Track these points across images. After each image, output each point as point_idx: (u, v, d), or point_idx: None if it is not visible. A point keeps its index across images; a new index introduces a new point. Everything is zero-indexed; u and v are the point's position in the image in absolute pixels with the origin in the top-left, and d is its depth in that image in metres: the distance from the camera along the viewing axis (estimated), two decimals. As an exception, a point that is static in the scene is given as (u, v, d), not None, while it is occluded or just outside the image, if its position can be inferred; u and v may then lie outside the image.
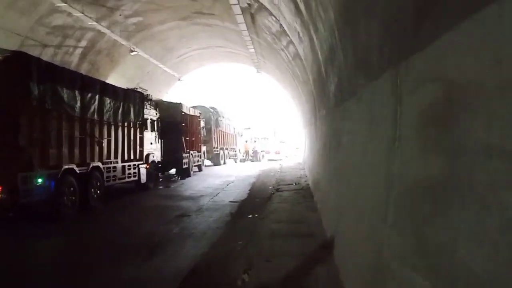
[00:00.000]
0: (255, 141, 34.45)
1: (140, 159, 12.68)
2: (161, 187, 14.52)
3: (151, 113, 13.86)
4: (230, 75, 59.24)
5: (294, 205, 8.34)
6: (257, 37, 17.26)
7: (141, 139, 12.74)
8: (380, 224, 2.96)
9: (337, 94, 6.54)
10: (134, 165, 12.14)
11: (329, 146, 8.00)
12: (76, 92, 8.89)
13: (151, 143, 13.77)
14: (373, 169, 3.46)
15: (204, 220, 8.05)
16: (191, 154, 18.24)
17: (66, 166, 8.44)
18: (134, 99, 12.24)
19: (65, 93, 8.45)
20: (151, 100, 14.05)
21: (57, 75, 8.36)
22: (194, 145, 18.99)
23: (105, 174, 10.21)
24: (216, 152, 25.43)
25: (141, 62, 20.86)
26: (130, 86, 14.93)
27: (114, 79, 17.61)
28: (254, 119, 44.25)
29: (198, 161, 20.09)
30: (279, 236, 5.78)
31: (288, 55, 14.47)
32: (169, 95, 27.08)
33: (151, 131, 13.86)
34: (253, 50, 19.52)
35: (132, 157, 12.12)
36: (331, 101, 7.48)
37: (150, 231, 7.14)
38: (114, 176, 10.76)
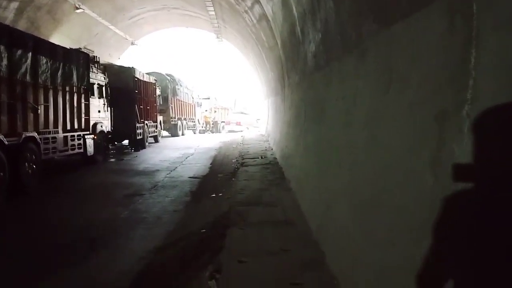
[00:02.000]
0: (215, 112, 33.09)
1: (86, 129, 11.20)
2: (112, 159, 13.13)
3: (98, 78, 12.28)
4: (188, 41, 56.88)
5: (264, 183, 7.35)
6: (218, -3, 15.80)
7: (87, 106, 11.22)
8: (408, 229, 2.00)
9: (318, 55, 5.49)
10: (79, 135, 10.67)
11: (304, 117, 7.01)
12: (1, 47, 7.31)
13: (99, 111, 12.26)
14: (397, 150, 2.46)
15: (159, 201, 6.92)
16: (146, 124, 16.79)
17: (-11, 137, 6.97)
18: (77, 60, 10.64)
19: (-15, 48, 6.88)
20: (98, 62, 12.44)
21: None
22: (149, 115, 17.51)
23: (43, 146, 8.71)
24: (173, 123, 23.95)
25: (89, 22, 18.83)
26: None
27: (58, 40, 15.51)
28: (214, 88, 42.72)
29: (154, 131, 18.66)
30: (251, 223, 4.78)
31: (253, 18, 13.20)
32: (121, 61, 25.03)
33: (99, 97, 12.32)
34: (213, 13, 18.06)
35: (76, 126, 10.62)
36: (308, 64, 6.43)
37: (92, 217, 5.91)
38: (54, 148, 9.29)
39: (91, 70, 11.57)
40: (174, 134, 24.31)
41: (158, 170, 10.49)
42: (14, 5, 13.64)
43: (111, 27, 20.33)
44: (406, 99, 2.37)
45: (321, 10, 4.84)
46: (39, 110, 8.69)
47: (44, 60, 8.82)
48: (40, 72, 8.62)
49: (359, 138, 3.31)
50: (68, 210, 6.49)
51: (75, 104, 10.57)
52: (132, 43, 24.66)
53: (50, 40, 15.81)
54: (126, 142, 16.48)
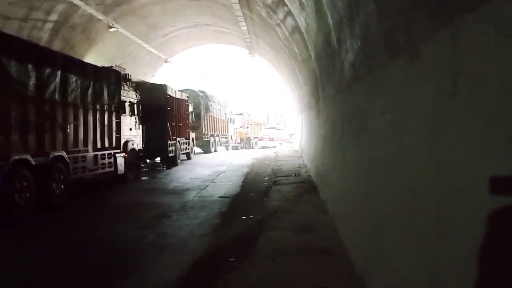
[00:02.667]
0: (247, 127, 32.83)
1: (117, 147, 11.06)
2: (144, 178, 12.95)
3: (130, 95, 12.20)
4: (221, 57, 57.30)
5: (298, 204, 6.84)
6: (249, 12, 15.58)
7: (118, 124, 11.10)
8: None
9: (358, 64, 4.99)
10: (110, 154, 10.52)
11: (341, 132, 6.47)
12: (29, 66, 7.22)
13: (130, 129, 12.14)
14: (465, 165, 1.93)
15: (187, 223, 6.51)
16: (178, 141, 16.62)
17: (17, 157, 6.81)
18: (108, 78, 10.57)
19: (13, 67, 6.78)
20: (130, 80, 12.38)
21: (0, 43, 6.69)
22: (181, 131, 17.36)
23: (72, 165, 8.58)
24: (206, 139, 23.81)
25: (122, 41, 19.06)
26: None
27: (92, 59, 15.75)
28: (247, 104, 42.67)
29: (186, 148, 18.48)
30: (285, 252, 4.28)
31: (285, 31, 12.85)
32: (155, 79, 25.28)
33: (131, 115, 12.22)
34: (245, 28, 17.84)
35: (106, 144, 10.49)
36: (345, 75, 5.92)
37: (116, 239, 5.58)
38: (83, 167, 9.15)
39: (122, 88, 11.50)
40: (206, 150, 24.14)
41: (188, 189, 10.15)
42: (49, 25, 13.89)
43: (145, 45, 20.49)
44: (481, 106, 1.85)
45: (360, 14, 4.36)
46: (68, 129, 8.57)
47: (74, 78, 8.73)
48: (69, 90, 8.53)
49: (417, 154, 2.77)
50: (92, 231, 6.19)
51: (106, 123, 10.46)
52: (166, 61, 24.85)
53: (85, 59, 16.15)
54: (158, 159, 16.38)
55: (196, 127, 21.81)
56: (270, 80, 47.42)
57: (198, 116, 22.24)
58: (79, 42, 16.30)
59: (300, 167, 12.73)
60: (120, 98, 11.19)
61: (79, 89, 8.91)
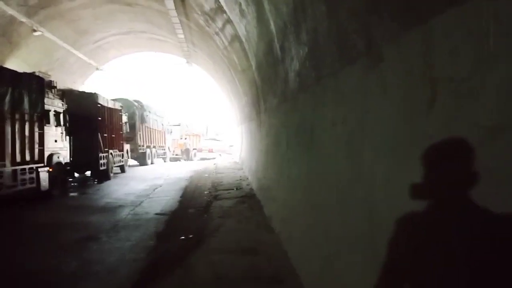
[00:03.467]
0: (185, 138, 31.97)
1: (40, 160, 10.01)
2: (73, 193, 11.85)
3: (55, 104, 11.17)
4: (158, 66, 55.65)
5: (241, 221, 6.40)
6: (186, 20, 15.07)
7: (41, 135, 10.06)
8: None
9: (304, 73, 4.70)
10: (31, 168, 9.48)
11: (286, 145, 6.16)
12: None
13: (56, 141, 11.09)
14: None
15: (117, 247, 5.83)
16: (111, 154, 15.58)
17: None
18: (29, 85, 9.54)
19: None
20: (55, 88, 11.33)
21: None
22: (114, 143, 16.32)
23: (-16, 183, 7.56)
24: (142, 151, 22.73)
25: (49, 46, 17.68)
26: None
27: (14, 66, 14.31)
28: (185, 114, 41.72)
29: (120, 161, 17.42)
30: (229, 280, 3.82)
31: (224, 40, 12.49)
32: (86, 87, 23.81)
33: (56, 125, 11.18)
34: (182, 36, 17.30)
35: (28, 158, 9.45)
36: (290, 85, 5.63)
37: (30, 268, 4.80)
38: (-1, 184, 8.11)
39: (46, 95, 10.47)
40: (142, 163, 23.06)
41: (121, 206, 9.36)
42: (-40, 25, 12.46)
43: (74, 51, 19.18)
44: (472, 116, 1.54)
45: (307, 19, 4.07)
46: (-22, 141, 7.54)
47: (-14, 84, 7.73)
48: (-20, 97, 7.52)
49: (376, 170, 2.46)
50: (4, 257, 5.32)
51: (27, 134, 9.43)
52: (97, 69, 23.50)
53: (6, 65, 14.72)
54: (89, 173, 15.22)
55: (131, 138, 20.74)
56: (209, 91, 46.82)
57: (133, 126, 21.19)
58: (-2, 45, 14.82)
59: (241, 179, 12.33)
60: (44, 106, 10.17)
61: (-7, 97, 7.91)
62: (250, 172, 12.00)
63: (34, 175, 9.54)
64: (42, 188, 9.90)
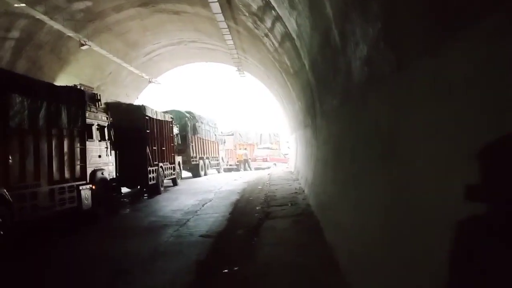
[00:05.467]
0: (245, 149, 31.26)
1: (82, 178, 9.43)
2: (121, 211, 11.23)
3: (99, 117, 10.63)
4: (210, 76, 55.97)
5: (297, 251, 5.22)
6: (234, 24, 14.24)
7: (82, 151, 9.49)
8: None
9: (375, 59, 3.48)
10: (71, 186, 8.89)
11: (350, 156, 4.92)
12: None
13: (100, 156, 10.52)
14: None
15: (150, 285, 4.87)
16: (161, 167, 14.98)
17: None
18: (68, 98, 9.00)
19: None
20: (99, 100, 10.80)
21: None
22: (165, 156, 15.74)
23: (16, 205, 6.96)
24: (195, 162, 22.17)
25: (99, 60, 17.62)
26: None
27: (65, 81, 14.29)
28: (238, 123, 41.25)
29: (171, 174, 16.83)
30: None
31: (274, 41, 11.47)
32: (140, 100, 23.83)
33: (100, 140, 10.62)
34: (231, 42, 16.49)
35: (67, 176, 8.87)
36: (355, 78, 4.41)
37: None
38: (33, 205, 7.50)
39: (88, 109, 9.94)
40: (196, 174, 22.50)
41: (165, 226, 8.50)
42: (9, 43, 12.39)
43: (125, 64, 19.05)
44: None
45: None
46: (10, 161, 6.96)
47: (18, 99, 7.17)
48: (11, 113, 6.95)
49: None
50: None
51: (66, 150, 8.86)
52: (150, 81, 23.39)
53: (57, 81, 14.67)
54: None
55: (183, 150, 20.20)
56: (261, 98, 46.07)
57: (184, 138, 20.67)
58: (48, 62, 14.80)
59: (296, 193, 11.13)
60: (85, 120, 9.61)
61: (25, 112, 7.34)
62: (306, 184, 10.76)
63: (74, 193, 8.95)
64: (84, 207, 9.29)
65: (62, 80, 15.00)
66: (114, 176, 11.38)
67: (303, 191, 11.08)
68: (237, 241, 6.61)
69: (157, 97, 41.61)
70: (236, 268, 5.04)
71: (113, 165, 11.43)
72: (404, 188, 2.78)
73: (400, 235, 2.84)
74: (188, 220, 9.01)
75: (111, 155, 11.25)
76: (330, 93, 6.45)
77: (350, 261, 4.00)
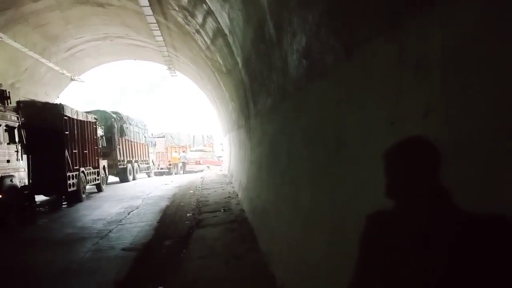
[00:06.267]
0: (176, 152, 30.14)
1: (-15, 186, 8.25)
2: (41, 221, 10.00)
3: (7, 117, 9.41)
4: (139, 76, 53.75)
5: (228, 264, 4.72)
6: (164, 19, 13.49)
7: (-14, 155, 8.31)
8: None
9: (319, 48, 3.09)
10: (-28, 197, 7.71)
11: (287, 158, 4.52)
12: None
13: (8, 161, 9.30)
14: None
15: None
16: (83, 172, 13.77)
17: None
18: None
19: None
20: (7, 98, 9.56)
21: None
22: (87, 160, 14.51)
23: None
24: (122, 166, 20.88)
25: (14, 55, 15.92)
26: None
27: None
28: (169, 125, 40.01)
29: (95, 179, 15.58)
30: None
31: (206, 38, 10.93)
32: (61, 100, 21.99)
33: (9, 143, 9.40)
34: (161, 39, 15.67)
35: (-33, 184, 7.69)
36: (292, 75, 4.01)
37: None
38: None
39: (-7, 108, 8.74)
40: (123, 179, 21.22)
41: (83, 238, 7.62)
42: None
43: (43, 60, 17.42)
44: None
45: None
46: None
47: None
48: None
49: None
50: None
51: (-35, 154, 7.67)
52: (72, 79, 21.67)
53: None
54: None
55: (109, 153, 18.90)
56: (194, 100, 44.91)
57: (110, 140, 19.38)
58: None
59: (230, 197, 10.64)
60: (-11, 121, 8.43)
61: None
62: (240, 188, 10.32)
63: (-24, 204, 7.77)
64: (-12, 219, 8.11)
65: (-33, 75, 13.32)
66: (27, 183, 10.15)
67: (237, 195, 10.63)
68: (164, 254, 5.98)
69: (82, 97, 39.14)
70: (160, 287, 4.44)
71: (25, 170, 10.20)
72: (351, 192, 2.39)
73: (344, 247, 2.46)
74: (110, 231, 8.17)
75: (22, 159, 10.02)
76: (264, 92, 6.04)
77: (284, 270, 3.58)
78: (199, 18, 10.10)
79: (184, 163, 29.21)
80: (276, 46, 4.43)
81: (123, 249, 6.56)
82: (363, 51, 2.22)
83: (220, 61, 11.17)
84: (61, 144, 12.03)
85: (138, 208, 11.20)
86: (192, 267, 4.80)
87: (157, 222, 8.77)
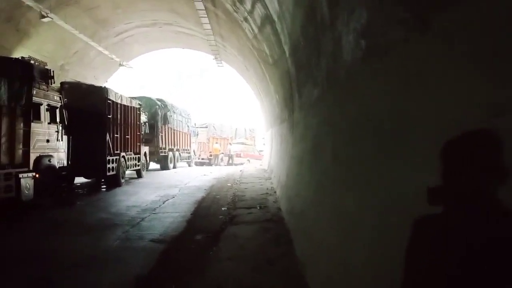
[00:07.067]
0: (216, 143, 30.05)
1: (24, 164, 8.24)
2: (78, 203, 9.96)
3: (50, 97, 9.39)
4: (186, 65, 53.92)
5: (260, 270, 4.24)
6: (213, 6, 13.15)
7: (26, 133, 8.30)
8: None
9: (382, 25, 2.53)
10: (9, 174, 7.69)
11: (331, 153, 3.96)
12: None
13: (48, 141, 9.29)
14: None
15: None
16: (123, 157, 13.77)
17: None
18: (10, 71, 7.80)
19: None
20: (51, 77, 9.54)
21: None
22: (128, 145, 14.51)
23: None
24: (163, 154, 20.94)
25: (64, 37, 16.16)
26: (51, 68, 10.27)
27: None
28: (213, 116, 40.04)
29: (135, 165, 15.61)
30: None
31: (254, 26, 10.47)
32: (110, 85, 22.33)
33: (50, 122, 9.39)
34: (209, 27, 15.39)
35: (4, 161, 7.68)
36: (345, 57, 3.44)
37: None
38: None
39: (37, 86, 8.70)
40: (164, 167, 21.28)
41: (115, 225, 7.40)
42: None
43: (93, 43, 17.64)
44: None
45: None
46: None
47: None
48: None
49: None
50: None
51: (5, 131, 7.65)
52: (121, 64, 21.94)
53: (14, 55, 13.21)
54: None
55: (151, 140, 18.91)
56: (239, 91, 44.58)
57: (153, 127, 19.42)
58: (3, 33, 13.33)
59: (267, 193, 10.17)
60: (31, 98, 8.39)
61: None
62: (279, 185, 9.82)
63: (12, 182, 7.75)
64: (24, 198, 8.09)
65: (20, 54, 13.56)
66: (65, 164, 10.15)
67: (275, 192, 10.13)
68: (193, 250, 5.57)
69: (129, 82, 39.73)
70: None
71: (64, 151, 10.20)
72: (410, 198, 1.83)
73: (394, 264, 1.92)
74: (142, 219, 7.92)
75: (62, 140, 10.02)
76: (311, 82, 5.48)
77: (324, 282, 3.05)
78: (248, 4, 9.65)
79: (230, 156, 29.03)
80: (328, 28, 3.87)
81: (152, 240, 6.24)
82: (446, 20, 1.65)
83: (267, 51, 10.67)
84: (103, 127, 12.01)
85: (174, 197, 10.96)
86: (219, 270, 4.36)
87: (191, 214, 8.44)
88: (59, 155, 9.84)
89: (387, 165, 2.33)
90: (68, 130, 10.20)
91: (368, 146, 2.67)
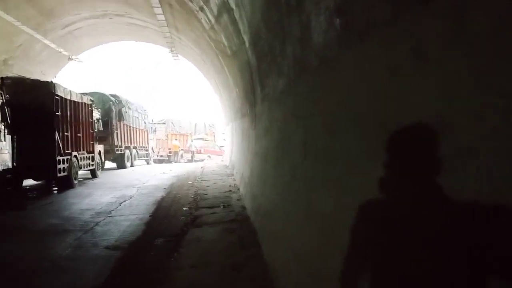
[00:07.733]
0: (176, 140, 29.26)
1: (-41, 169, 7.43)
2: (26, 208, 9.16)
3: (-12, 94, 8.57)
4: (141, 59, 52.53)
5: (226, 277, 3.88)
6: (167, -5, 12.53)
7: (-40, 135, 7.48)
8: None
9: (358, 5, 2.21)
10: None
11: (302, 148, 3.65)
12: None
13: (-13, 142, 8.49)
14: None
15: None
16: (75, 156, 12.93)
17: None
18: None
19: None
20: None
21: None
22: (80, 144, 13.66)
23: None
24: (119, 152, 20.05)
25: (6, 29, 14.98)
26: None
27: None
28: (171, 112, 39.12)
29: (89, 164, 14.75)
30: None
31: (210, 15, 10.01)
32: (58, 80, 21.07)
33: (-11, 122, 8.57)
34: (162, 18, 14.72)
35: None
36: (317, 41, 3.12)
37: None
38: None
39: (-28, 82, 7.87)
40: (121, 166, 20.40)
41: (65, 231, 6.79)
42: None
43: (38, 36, 16.50)
44: None
45: None
46: None
47: None
48: None
49: None
50: None
51: None
52: (70, 58, 20.73)
53: None
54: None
55: (106, 138, 18.00)
56: (197, 86, 43.68)
57: (107, 124, 18.51)
58: None
59: (230, 191, 9.80)
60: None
61: None
62: (242, 181, 9.47)
63: None
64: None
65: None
66: (9, 166, 9.33)
67: (238, 189, 9.78)
68: (152, 258, 5.13)
69: (80, 78, 38.08)
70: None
71: (8, 152, 9.37)
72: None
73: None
74: (97, 223, 7.35)
75: (5, 140, 9.19)
76: (275, 71, 5.15)
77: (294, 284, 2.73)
78: (204, -7, 9.20)
79: (193, 152, 28.39)
80: (294, 10, 3.53)
81: (107, 247, 5.73)
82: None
83: (225, 42, 10.26)
84: (51, 125, 11.14)
85: (131, 198, 10.37)
86: (182, 279, 3.96)
87: (150, 216, 7.94)
88: (3, 157, 9.03)
89: (370, 160, 2.02)
90: (12, 129, 9.36)
91: (348, 140, 2.37)
